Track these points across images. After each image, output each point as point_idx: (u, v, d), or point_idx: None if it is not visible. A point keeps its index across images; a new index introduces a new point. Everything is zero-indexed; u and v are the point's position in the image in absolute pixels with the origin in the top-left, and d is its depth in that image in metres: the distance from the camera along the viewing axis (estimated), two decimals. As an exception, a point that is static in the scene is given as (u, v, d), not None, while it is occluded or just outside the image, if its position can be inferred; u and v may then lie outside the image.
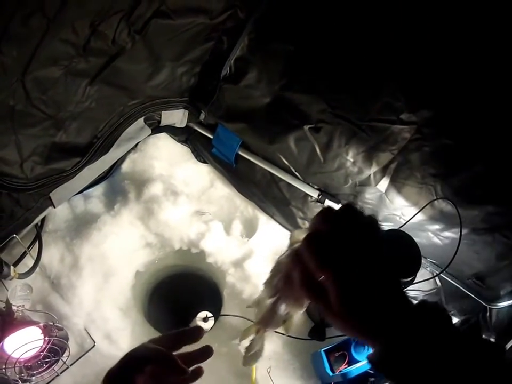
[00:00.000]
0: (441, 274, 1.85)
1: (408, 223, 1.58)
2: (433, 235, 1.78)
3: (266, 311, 0.69)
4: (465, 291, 1.85)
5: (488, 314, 1.93)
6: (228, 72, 1.82)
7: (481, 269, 1.78)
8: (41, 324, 1.47)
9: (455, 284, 1.84)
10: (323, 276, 0.54)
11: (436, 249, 1.80)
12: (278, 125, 1.85)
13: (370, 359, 0.56)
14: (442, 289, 1.95)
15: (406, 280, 1.39)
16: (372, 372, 1.59)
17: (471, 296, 1.86)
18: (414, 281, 1.44)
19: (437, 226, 1.74)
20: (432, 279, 1.90)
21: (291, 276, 0.60)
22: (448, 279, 1.85)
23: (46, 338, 1.46)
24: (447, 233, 1.74)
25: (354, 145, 1.73)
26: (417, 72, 1.52)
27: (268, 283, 0.67)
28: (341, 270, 0.53)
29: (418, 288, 1.96)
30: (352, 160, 1.77)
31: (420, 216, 1.71)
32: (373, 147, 1.71)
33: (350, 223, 0.55)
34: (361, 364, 1.58)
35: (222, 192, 2.28)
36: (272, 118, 1.85)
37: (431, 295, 1.98)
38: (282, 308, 0.67)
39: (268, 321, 0.70)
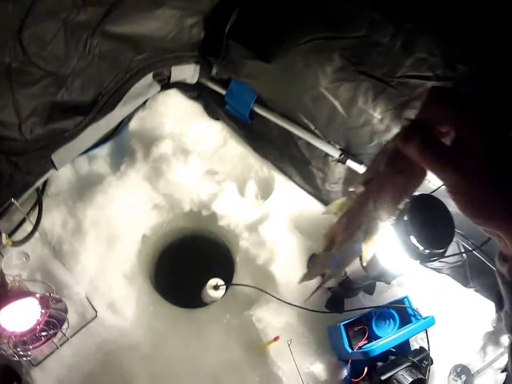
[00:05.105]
0: (468, 247, 1.78)
1: (436, 189, 1.45)
2: (461, 203, 1.68)
3: (353, 206, 0.59)
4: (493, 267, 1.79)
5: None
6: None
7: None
8: (37, 295, 1.40)
9: (485, 260, 1.76)
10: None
11: (464, 218, 1.71)
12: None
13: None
14: (468, 262, 1.86)
15: (438, 251, 1.27)
16: (394, 350, 1.51)
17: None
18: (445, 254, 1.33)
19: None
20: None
21: (399, 158, 0.51)
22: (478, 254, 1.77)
23: (43, 310, 1.39)
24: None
25: (382, 102, 1.59)
26: (455, 22, 1.34)
27: (370, 169, 0.58)
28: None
29: (444, 260, 1.88)
30: (379, 117, 1.63)
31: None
32: (404, 104, 1.56)
33: None
34: (385, 342, 1.49)
35: (235, 151, 2.15)
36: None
37: (457, 267, 1.90)
38: (372, 207, 0.57)
39: (353, 220, 0.59)
